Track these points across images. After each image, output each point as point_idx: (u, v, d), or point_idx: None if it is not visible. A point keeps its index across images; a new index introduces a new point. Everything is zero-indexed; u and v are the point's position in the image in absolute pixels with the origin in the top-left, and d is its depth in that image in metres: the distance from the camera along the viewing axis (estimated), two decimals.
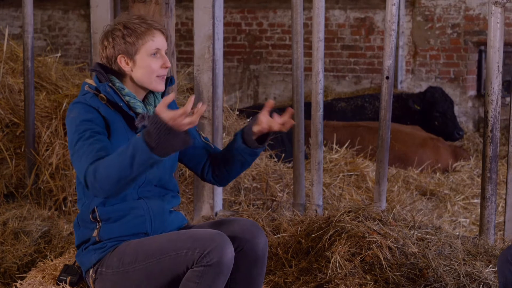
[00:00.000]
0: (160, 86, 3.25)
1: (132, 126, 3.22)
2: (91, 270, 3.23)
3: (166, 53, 3.28)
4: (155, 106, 3.27)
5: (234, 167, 3.37)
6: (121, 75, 3.26)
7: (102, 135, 3.13)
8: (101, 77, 3.22)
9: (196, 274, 3.00)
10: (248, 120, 5.91)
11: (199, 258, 2.98)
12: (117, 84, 3.23)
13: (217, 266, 2.98)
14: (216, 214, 4.98)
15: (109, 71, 3.27)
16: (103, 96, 3.20)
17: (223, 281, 3.03)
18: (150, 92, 3.31)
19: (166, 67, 3.24)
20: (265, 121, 3.24)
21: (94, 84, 3.25)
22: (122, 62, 3.23)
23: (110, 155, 3.00)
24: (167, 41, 3.29)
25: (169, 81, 3.34)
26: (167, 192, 3.35)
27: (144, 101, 3.30)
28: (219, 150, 3.48)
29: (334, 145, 7.45)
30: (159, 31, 3.24)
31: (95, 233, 3.21)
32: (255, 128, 3.26)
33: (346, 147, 7.43)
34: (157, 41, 3.23)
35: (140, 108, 3.22)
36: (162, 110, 2.87)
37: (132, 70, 3.23)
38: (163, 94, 3.33)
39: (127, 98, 3.22)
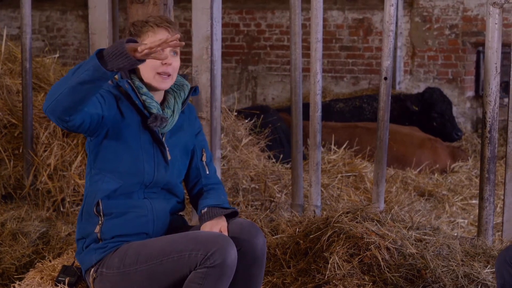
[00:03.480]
0: (162, 85, 3.25)
1: (146, 125, 3.25)
2: (91, 270, 3.24)
3: (176, 52, 3.26)
4: (173, 111, 3.30)
5: None
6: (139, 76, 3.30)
7: (99, 103, 3.14)
8: (123, 74, 3.25)
9: (199, 275, 3.00)
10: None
11: (202, 260, 2.99)
12: (136, 83, 3.25)
13: (220, 268, 2.99)
14: None
15: (132, 70, 3.29)
16: (122, 89, 3.24)
17: (226, 283, 3.04)
18: (171, 95, 3.33)
19: (166, 64, 3.22)
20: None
21: (116, 78, 3.27)
22: None
23: None
24: (170, 32, 3.25)
25: (192, 90, 3.39)
26: (172, 197, 3.37)
27: (163, 103, 3.32)
28: (212, 181, 3.50)
29: (333, 146, 7.46)
30: (159, 27, 3.23)
31: (97, 229, 3.22)
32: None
33: (344, 148, 7.44)
34: (155, 37, 3.20)
35: (155, 108, 3.24)
36: (133, 44, 2.89)
37: (140, 69, 3.26)
38: (185, 101, 3.36)
39: (143, 97, 3.24)
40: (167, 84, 3.27)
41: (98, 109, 3.12)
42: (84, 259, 3.26)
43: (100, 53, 2.88)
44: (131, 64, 2.88)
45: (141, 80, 3.28)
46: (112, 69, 2.87)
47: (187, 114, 3.44)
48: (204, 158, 3.48)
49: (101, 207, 3.22)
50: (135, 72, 3.28)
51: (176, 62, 3.28)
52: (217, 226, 3.24)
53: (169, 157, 3.31)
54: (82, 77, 2.87)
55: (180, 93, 3.36)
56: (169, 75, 3.26)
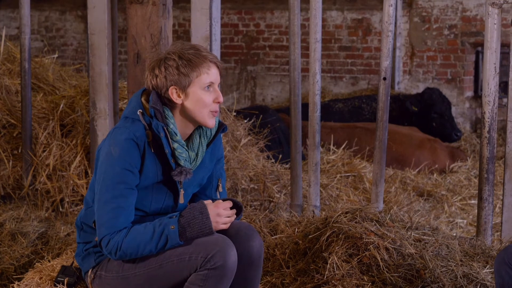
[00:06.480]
0: (211, 122, 3.14)
1: (165, 171, 3.14)
2: (90, 272, 3.23)
3: (218, 86, 3.18)
4: (196, 154, 3.18)
5: None
6: (170, 105, 3.14)
7: (134, 190, 3.08)
8: (158, 116, 3.09)
9: (200, 277, 2.99)
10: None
11: (202, 263, 2.98)
12: (171, 127, 3.11)
13: (221, 269, 2.97)
14: None
15: (161, 99, 3.14)
16: (149, 134, 3.09)
17: (227, 285, 3.02)
18: (197, 132, 3.20)
19: (219, 102, 3.14)
20: None
21: (148, 112, 3.12)
22: (174, 94, 3.11)
23: (137, 232, 3.04)
24: (220, 74, 3.19)
25: (221, 128, 3.25)
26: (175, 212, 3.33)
27: (189, 141, 3.19)
28: None
29: (332, 146, 7.46)
30: (214, 64, 3.14)
31: (97, 237, 3.20)
32: None
33: (343, 148, 7.44)
34: (212, 75, 3.12)
35: (182, 160, 3.12)
36: (212, 208, 3.08)
37: (183, 103, 3.12)
38: (210, 143, 3.23)
39: (175, 145, 3.11)
40: (214, 122, 3.16)
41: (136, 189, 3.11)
42: (83, 261, 3.26)
43: (183, 234, 3.03)
44: (207, 234, 3.06)
45: (185, 115, 3.14)
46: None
47: (212, 145, 3.29)
48: (220, 189, 3.38)
49: None
50: (168, 107, 3.14)
51: None
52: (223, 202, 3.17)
53: (181, 201, 3.22)
54: (161, 248, 3.05)
55: (206, 132, 3.23)
56: (216, 112, 3.17)
